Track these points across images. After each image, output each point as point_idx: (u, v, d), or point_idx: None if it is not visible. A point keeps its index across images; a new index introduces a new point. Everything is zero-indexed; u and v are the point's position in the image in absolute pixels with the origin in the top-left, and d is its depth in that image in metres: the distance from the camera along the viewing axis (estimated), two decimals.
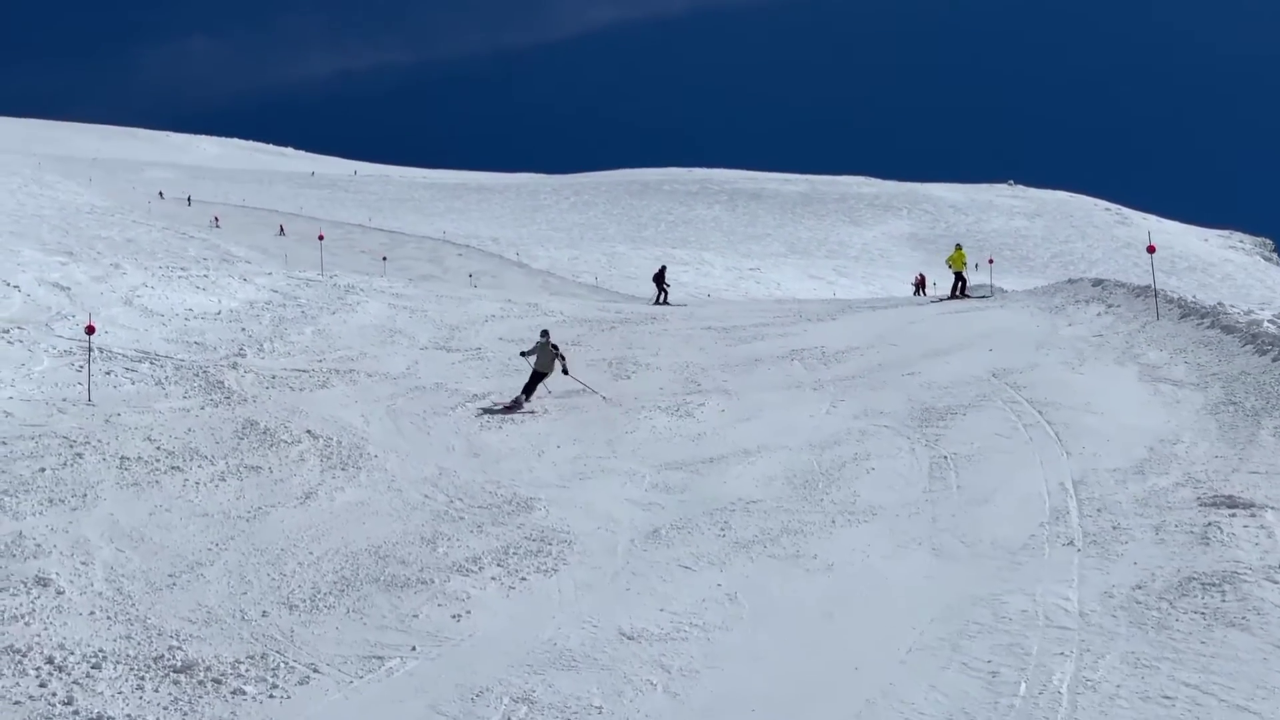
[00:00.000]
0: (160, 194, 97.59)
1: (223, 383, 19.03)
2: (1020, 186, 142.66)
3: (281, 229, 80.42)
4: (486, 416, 17.92)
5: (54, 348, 19.92)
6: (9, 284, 23.51)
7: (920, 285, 55.92)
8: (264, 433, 16.56)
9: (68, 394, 17.85)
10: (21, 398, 17.41)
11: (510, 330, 25.47)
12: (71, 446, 15.39)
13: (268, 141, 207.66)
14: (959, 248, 28.95)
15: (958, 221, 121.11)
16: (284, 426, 16.90)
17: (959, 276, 28.13)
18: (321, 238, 35.71)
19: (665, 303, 30.71)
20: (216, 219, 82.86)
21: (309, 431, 16.69)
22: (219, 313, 24.30)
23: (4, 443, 15.39)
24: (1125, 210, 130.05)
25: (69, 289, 24.06)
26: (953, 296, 28.03)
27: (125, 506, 13.65)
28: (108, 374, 18.77)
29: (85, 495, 13.83)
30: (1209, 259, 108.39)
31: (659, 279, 32.46)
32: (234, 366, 19.97)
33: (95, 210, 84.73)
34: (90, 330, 17.94)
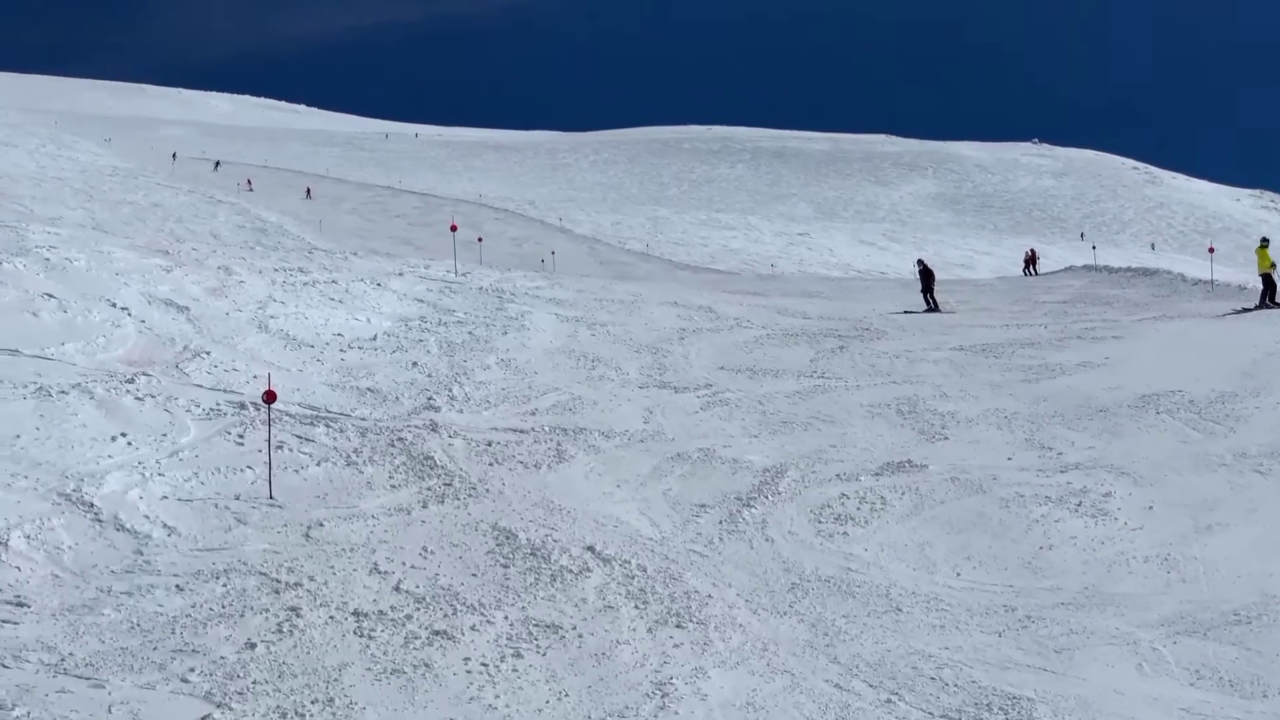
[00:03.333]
0: (174, 155, 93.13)
1: (431, 457, 14.05)
2: (1045, 145, 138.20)
3: (309, 191, 76.16)
4: (819, 518, 12.91)
5: (196, 404, 14.90)
6: (114, 304, 18.33)
7: (1031, 262, 51.11)
8: (530, 553, 11.63)
9: (238, 485, 12.85)
10: (180, 495, 12.40)
11: (723, 355, 20.37)
12: (277, 592, 10.45)
13: (279, 98, 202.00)
14: (1264, 243, 23.54)
15: (984, 181, 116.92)
16: (551, 539, 11.96)
17: (1267, 280, 22.82)
18: (454, 229, 30.34)
19: (935, 309, 25.30)
20: (249, 182, 78.17)
21: (590, 549, 11.74)
22: (374, 337, 19.26)
23: (180, 588, 10.44)
24: (1154, 169, 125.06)
25: (187, 309, 18.91)
26: (1263, 305, 22.73)
27: None
28: (279, 448, 13.73)
29: (331, 699, 8.91)
30: (1244, 219, 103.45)
31: (927, 280, 26.04)
32: (433, 428, 14.98)
33: (118, 172, 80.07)
34: (271, 398, 12.83)
